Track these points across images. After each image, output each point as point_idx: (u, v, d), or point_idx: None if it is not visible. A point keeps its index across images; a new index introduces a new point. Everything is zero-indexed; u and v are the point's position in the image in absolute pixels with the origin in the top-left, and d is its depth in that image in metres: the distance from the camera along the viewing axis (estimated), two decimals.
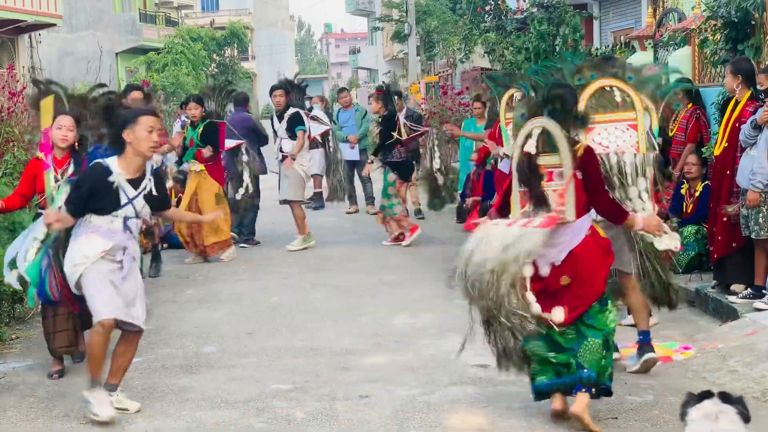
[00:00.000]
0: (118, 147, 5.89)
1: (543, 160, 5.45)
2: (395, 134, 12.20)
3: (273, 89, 12.32)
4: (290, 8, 77.22)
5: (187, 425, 5.80)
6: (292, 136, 11.88)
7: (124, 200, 5.83)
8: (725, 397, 4.01)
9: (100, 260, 5.80)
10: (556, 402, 5.57)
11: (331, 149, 13.17)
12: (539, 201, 5.46)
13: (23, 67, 23.22)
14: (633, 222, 5.73)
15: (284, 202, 12.25)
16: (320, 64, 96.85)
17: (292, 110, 11.92)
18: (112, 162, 5.85)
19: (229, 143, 11.83)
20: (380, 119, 12.60)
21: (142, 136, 5.79)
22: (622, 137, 6.21)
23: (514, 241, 5.30)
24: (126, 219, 5.87)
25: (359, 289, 9.66)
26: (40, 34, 30.57)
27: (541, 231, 5.33)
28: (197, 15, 58.75)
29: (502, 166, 9.02)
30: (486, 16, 18.39)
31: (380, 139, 12.47)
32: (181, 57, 40.28)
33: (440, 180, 12.93)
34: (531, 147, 5.45)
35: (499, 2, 17.29)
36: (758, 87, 7.91)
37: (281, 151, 12.08)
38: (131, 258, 5.92)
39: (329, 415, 5.88)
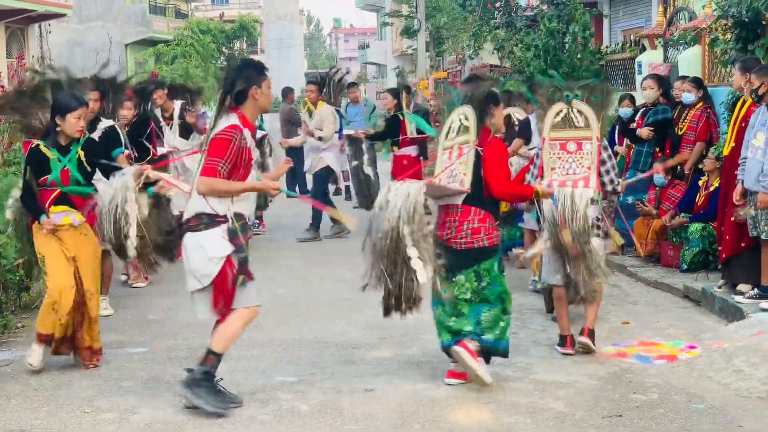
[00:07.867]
0: None
1: None
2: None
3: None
4: (300, 2, 77.26)
5: (191, 416, 5.81)
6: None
7: None
8: None
9: None
10: None
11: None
12: None
13: (33, 56, 23.24)
14: None
15: None
16: (329, 59, 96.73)
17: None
18: None
19: None
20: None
21: None
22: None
23: None
24: None
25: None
26: (50, 24, 30.56)
27: None
28: (207, 7, 58.73)
29: None
30: (496, 12, 18.42)
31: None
32: (191, 49, 40.20)
33: None
34: None
35: None
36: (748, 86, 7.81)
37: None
38: None
39: (334, 408, 5.88)
